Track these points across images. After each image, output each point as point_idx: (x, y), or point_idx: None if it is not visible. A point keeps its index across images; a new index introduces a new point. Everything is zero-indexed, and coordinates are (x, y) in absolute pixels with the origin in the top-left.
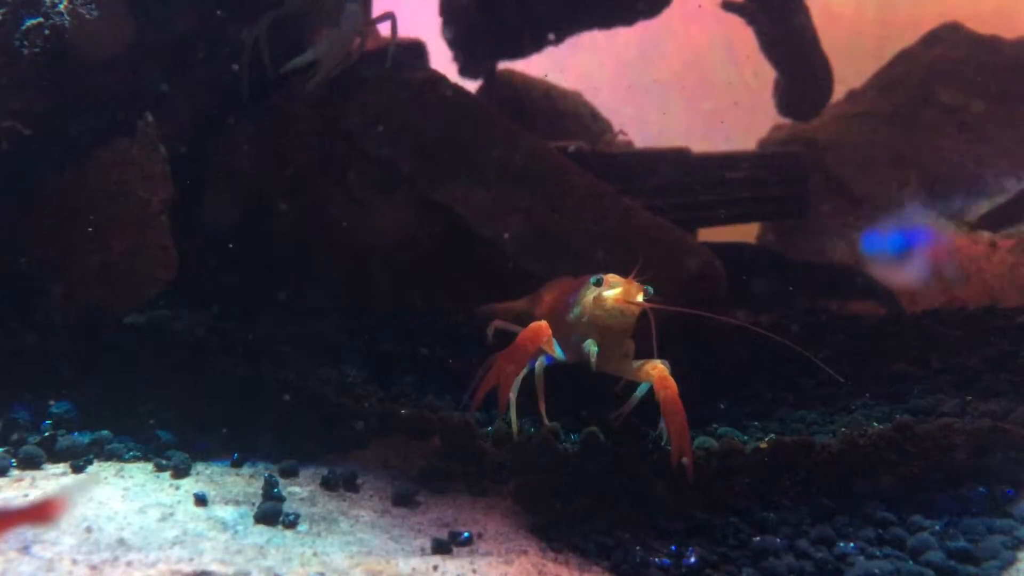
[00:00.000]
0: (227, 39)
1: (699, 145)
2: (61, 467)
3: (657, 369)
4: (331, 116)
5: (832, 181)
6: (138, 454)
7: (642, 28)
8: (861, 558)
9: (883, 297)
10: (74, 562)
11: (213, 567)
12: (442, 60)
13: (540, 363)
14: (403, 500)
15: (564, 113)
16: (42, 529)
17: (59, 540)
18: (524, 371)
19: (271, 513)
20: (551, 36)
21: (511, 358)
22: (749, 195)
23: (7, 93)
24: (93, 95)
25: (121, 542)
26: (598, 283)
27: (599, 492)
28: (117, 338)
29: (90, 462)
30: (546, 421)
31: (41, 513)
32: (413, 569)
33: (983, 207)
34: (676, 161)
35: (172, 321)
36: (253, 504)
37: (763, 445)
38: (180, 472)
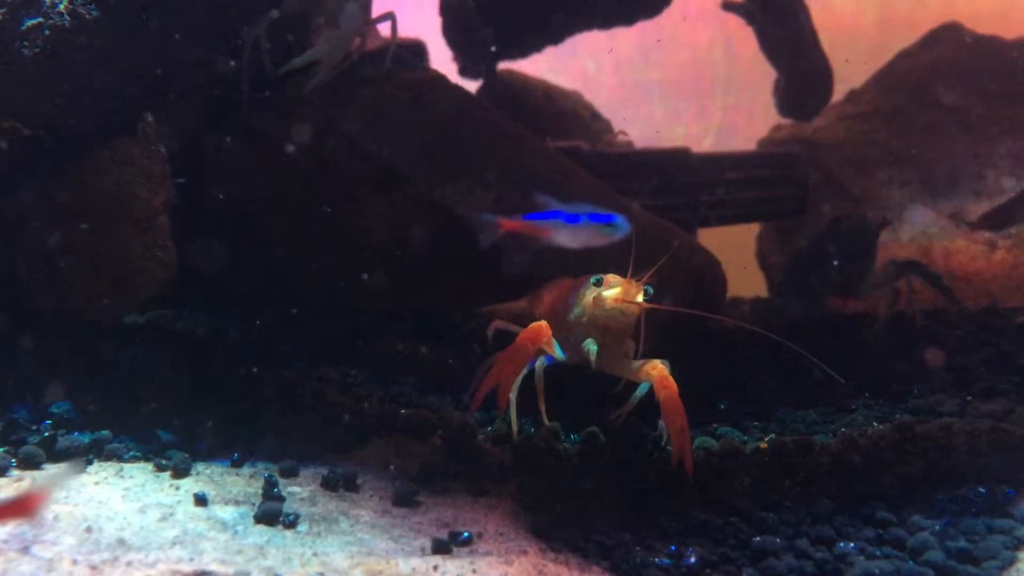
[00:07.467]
0: (227, 39)
1: (699, 145)
2: (61, 467)
3: (657, 369)
4: (331, 116)
5: (832, 181)
6: (138, 454)
7: (642, 28)
8: (861, 558)
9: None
10: (74, 562)
11: (213, 567)
12: (442, 60)
13: (540, 363)
14: (403, 500)
15: (564, 113)
16: (41, 529)
17: (59, 540)
18: (524, 371)
19: (271, 513)
20: (551, 36)
21: (511, 358)
22: (749, 195)
23: (7, 93)
24: (93, 95)
25: (121, 542)
26: (598, 283)
27: (599, 492)
28: (117, 338)
29: (90, 462)
30: (546, 421)
31: (20, 508)
32: (413, 569)
33: (983, 207)
34: (676, 161)
35: (172, 321)
36: (253, 504)
37: (763, 445)
38: (180, 472)
